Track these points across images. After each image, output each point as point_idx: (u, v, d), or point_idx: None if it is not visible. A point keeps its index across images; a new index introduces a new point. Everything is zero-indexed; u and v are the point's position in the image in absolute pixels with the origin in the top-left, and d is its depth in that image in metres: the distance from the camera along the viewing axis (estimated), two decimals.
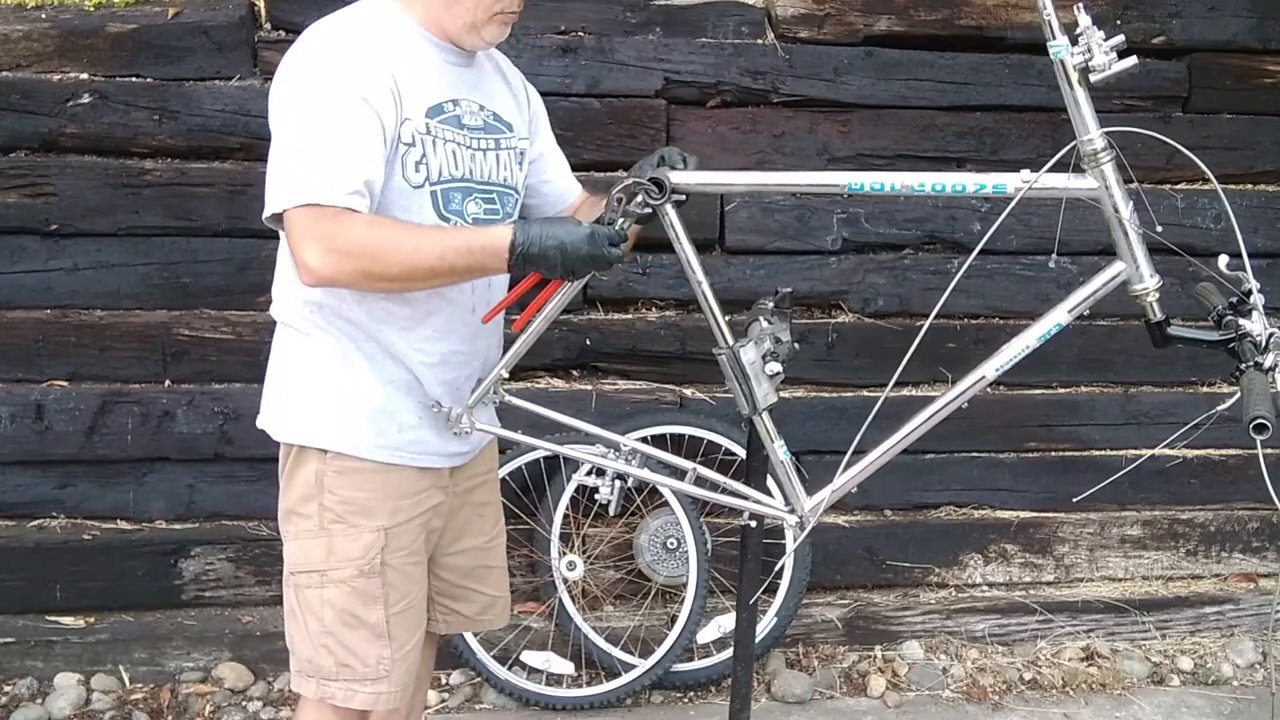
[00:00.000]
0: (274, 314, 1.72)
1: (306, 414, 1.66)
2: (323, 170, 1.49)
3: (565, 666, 2.81)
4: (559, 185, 1.93)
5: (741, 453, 2.82)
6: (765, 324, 1.79)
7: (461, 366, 1.75)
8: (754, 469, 1.97)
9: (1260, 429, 1.45)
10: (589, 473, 1.97)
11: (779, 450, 1.81)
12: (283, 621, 1.74)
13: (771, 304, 1.88)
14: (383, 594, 1.68)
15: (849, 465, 1.83)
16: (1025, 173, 1.65)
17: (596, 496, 1.92)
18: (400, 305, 1.64)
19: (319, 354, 1.66)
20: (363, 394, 1.65)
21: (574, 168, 2.79)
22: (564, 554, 2.81)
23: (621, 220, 1.66)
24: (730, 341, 1.75)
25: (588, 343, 2.89)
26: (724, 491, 1.92)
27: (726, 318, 1.77)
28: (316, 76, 1.53)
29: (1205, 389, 3.16)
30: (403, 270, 1.52)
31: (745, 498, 1.90)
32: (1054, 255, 1.96)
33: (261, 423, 1.73)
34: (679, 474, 1.97)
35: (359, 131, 1.51)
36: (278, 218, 1.55)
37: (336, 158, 1.50)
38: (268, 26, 2.71)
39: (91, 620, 2.80)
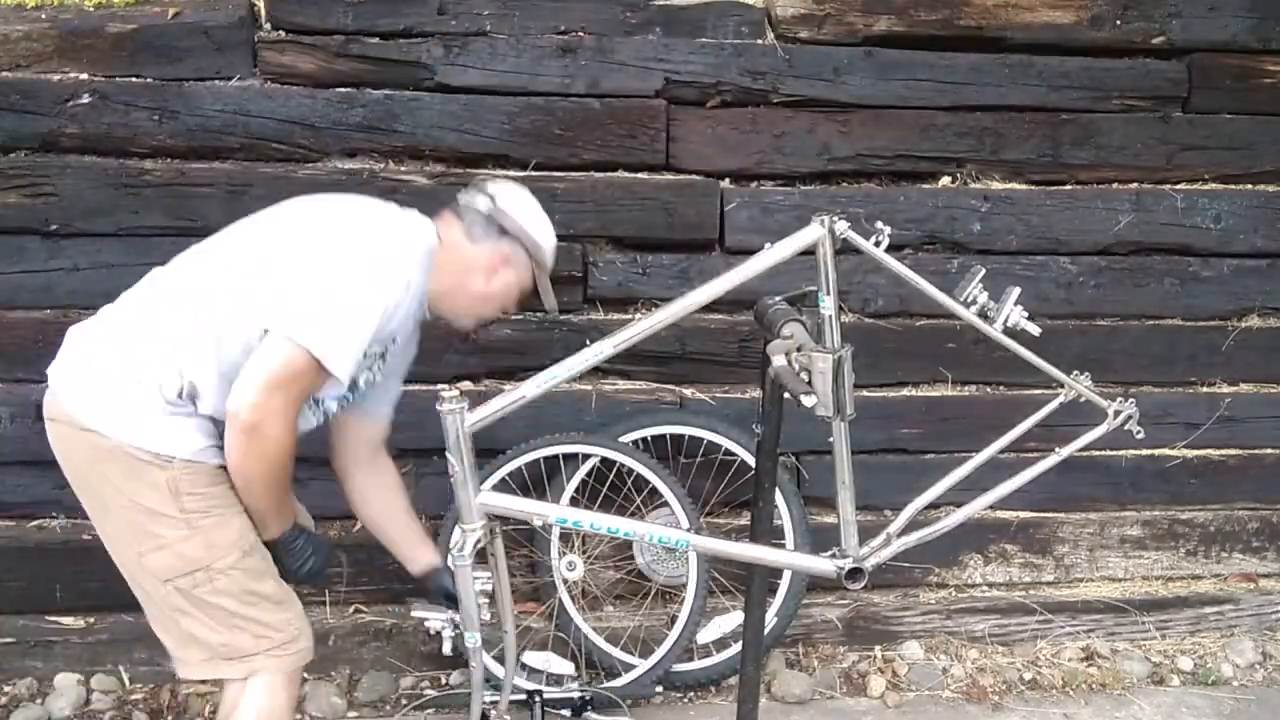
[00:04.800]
0: (156, 347, 1.78)
1: (155, 426, 1.76)
2: (350, 343, 1.73)
3: (565, 667, 2.81)
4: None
5: (741, 452, 2.82)
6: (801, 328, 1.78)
7: None
8: (765, 469, 1.97)
9: None
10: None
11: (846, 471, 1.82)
12: None
13: (796, 304, 1.89)
14: (266, 566, 1.86)
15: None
16: None
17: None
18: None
19: (169, 387, 1.77)
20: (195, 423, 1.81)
21: (573, 168, 2.84)
22: (564, 554, 2.81)
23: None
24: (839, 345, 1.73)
25: (587, 343, 2.87)
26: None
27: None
28: (390, 254, 1.81)
29: (1205, 389, 3.16)
30: (247, 487, 1.80)
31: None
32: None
33: (93, 422, 1.76)
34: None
35: (377, 328, 1.78)
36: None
37: (361, 342, 1.75)
38: (268, 26, 2.71)
39: (91, 620, 2.79)
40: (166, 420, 1.76)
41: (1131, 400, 2.18)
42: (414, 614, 2.07)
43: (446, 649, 1.98)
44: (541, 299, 2.08)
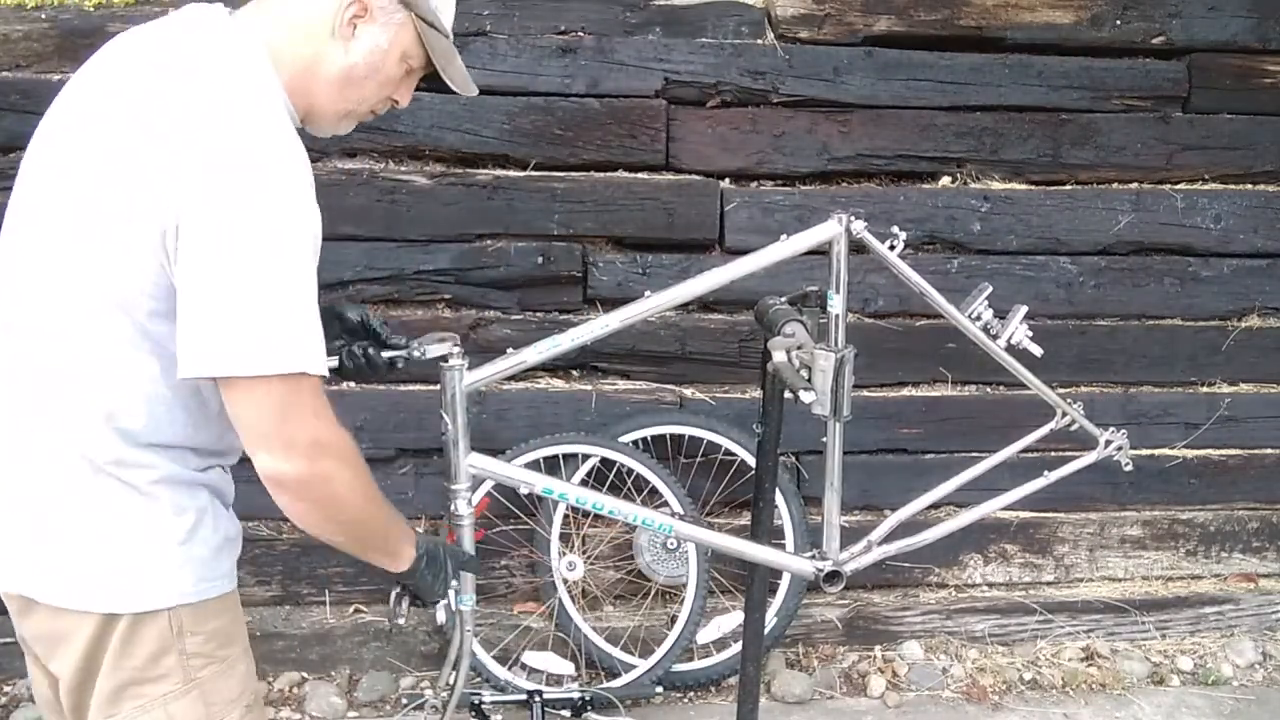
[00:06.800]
0: (92, 455, 1.25)
1: (151, 574, 1.29)
2: (310, 328, 1.22)
3: (565, 667, 2.81)
4: None
5: (741, 452, 2.82)
6: (801, 327, 1.79)
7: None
8: (765, 469, 1.97)
9: None
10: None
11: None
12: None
13: (797, 305, 1.89)
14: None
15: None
16: None
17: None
18: (210, 418, 1.32)
19: (160, 503, 1.29)
20: (215, 529, 1.35)
21: (573, 168, 2.84)
22: (564, 554, 2.81)
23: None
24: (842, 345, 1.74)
25: (588, 343, 2.88)
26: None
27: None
28: (287, 187, 1.21)
29: (1205, 389, 3.16)
30: (357, 527, 1.36)
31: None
32: None
33: (64, 599, 1.27)
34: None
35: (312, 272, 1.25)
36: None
37: (311, 307, 1.22)
38: None
39: None
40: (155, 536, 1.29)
41: (1123, 432, 2.21)
42: None
43: (440, 617, 1.92)
44: (442, 74, 1.49)
